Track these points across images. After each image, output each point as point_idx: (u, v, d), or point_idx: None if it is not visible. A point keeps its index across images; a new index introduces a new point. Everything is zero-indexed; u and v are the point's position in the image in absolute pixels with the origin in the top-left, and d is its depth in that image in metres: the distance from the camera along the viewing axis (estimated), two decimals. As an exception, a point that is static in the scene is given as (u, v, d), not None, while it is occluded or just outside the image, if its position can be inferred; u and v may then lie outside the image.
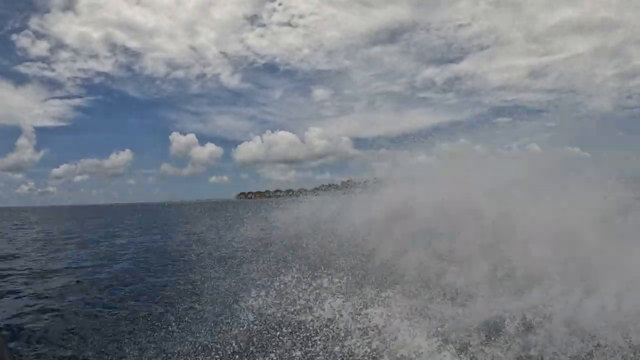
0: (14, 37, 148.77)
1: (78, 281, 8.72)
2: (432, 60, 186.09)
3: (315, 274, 5.96)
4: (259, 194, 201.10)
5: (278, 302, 5.38)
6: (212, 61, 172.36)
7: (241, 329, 4.72)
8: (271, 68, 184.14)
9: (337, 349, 3.99)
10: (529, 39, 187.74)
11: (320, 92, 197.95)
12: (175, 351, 4.36)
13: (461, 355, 3.62)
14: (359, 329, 4.32)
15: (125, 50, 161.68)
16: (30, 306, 6.80)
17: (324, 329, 4.42)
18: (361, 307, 4.79)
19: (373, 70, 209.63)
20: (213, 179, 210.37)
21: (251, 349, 4.16)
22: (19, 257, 12.91)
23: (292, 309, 5.08)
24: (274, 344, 4.20)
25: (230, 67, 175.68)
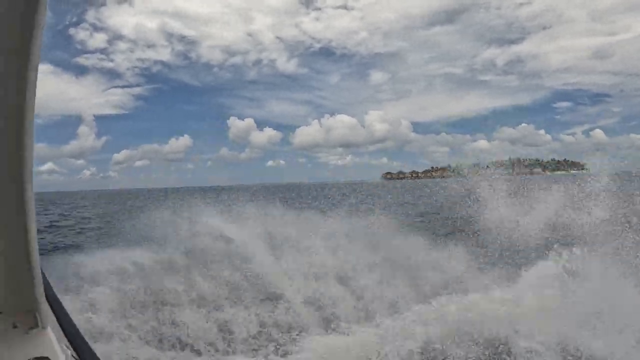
0: (72, 31, 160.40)
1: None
2: (492, 41, 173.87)
3: None
4: (414, 173, 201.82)
5: None
6: (269, 46, 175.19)
7: None
8: (327, 52, 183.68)
9: None
10: (594, 18, 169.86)
11: (377, 76, 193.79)
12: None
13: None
14: None
15: (182, 38, 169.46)
16: None
17: None
18: None
19: (431, 52, 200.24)
20: (270, 163, 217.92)
21: None
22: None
23: None
24: None
25: (286, 52, 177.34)
